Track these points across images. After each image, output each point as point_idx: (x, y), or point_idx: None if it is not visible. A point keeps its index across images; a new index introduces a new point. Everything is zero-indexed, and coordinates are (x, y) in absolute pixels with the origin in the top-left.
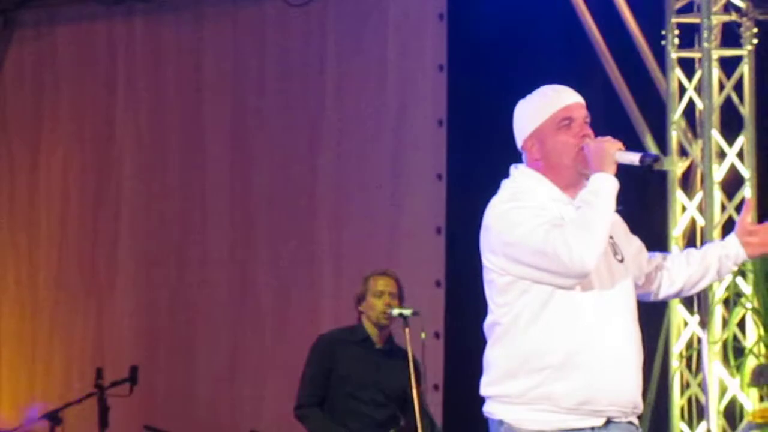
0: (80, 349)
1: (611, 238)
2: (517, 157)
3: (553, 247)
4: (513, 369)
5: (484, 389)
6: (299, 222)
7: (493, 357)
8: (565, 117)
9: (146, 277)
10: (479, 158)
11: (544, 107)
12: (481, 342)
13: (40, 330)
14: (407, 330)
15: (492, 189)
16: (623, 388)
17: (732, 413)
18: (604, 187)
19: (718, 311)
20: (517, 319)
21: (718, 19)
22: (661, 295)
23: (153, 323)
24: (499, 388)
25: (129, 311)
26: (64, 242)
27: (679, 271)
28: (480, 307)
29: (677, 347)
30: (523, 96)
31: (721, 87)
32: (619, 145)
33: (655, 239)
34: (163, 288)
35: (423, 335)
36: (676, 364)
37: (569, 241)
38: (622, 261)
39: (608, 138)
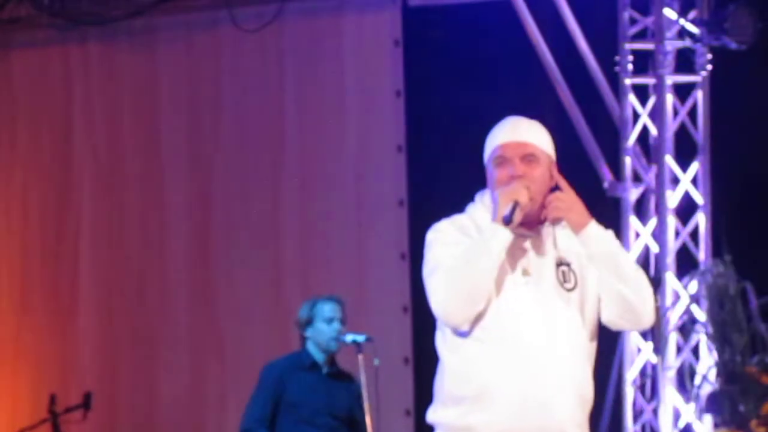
0: (46, 374)
1: (567, 265)
2: (476, 181)
3: (430, 293)
4: (442, 397)
5: (427, 416)
6: (262, 248)
7: (435, 383)
8: (498, 155)
9: (107, 303)
10: (439, 183)
11: (489, 143)
12: None
13: (3, 355)
14: (360, 356)
15: (453, 212)
16: (548, 422)
17: None
18: (491, 237)
19: (673, 337)
20: (443, 346)
21: (672, 45)
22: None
23: (115, 349)
24: (434, 415)
25: (91, 337)
26: (27, 268)
27: None
28: None
29: (631, 374)
30: (478, 121)
31: (675, 113)
32: (514, 196)
33: None
34: (124, 313)
35: (376, 361)
36: (630, 390)
37: (437, 288)
38: (572, 289)
39: (511, 187)
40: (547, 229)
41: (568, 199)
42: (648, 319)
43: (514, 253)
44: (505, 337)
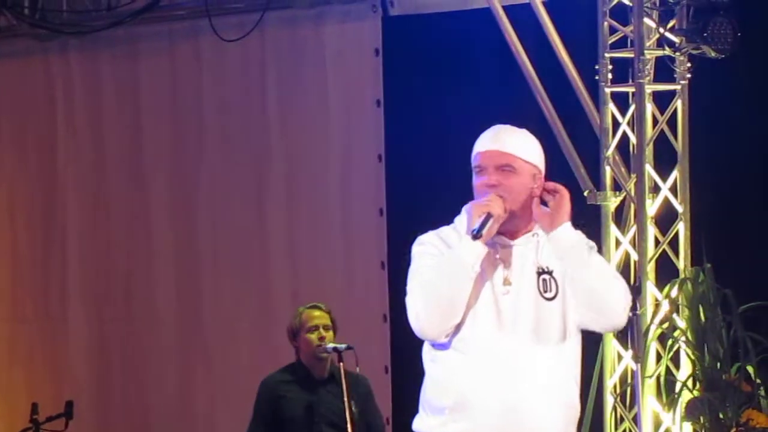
0: (40, 382)
1: (549, 273)
2: (456, 191)
3: (407, 307)
4: (425, 406)
5: (413, 424)
6: (248, 257)
7: (421, 392)
8: (476, 164)
9: (96, 311)
10: (419, 192)
11: (473, 152)
12: None
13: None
14: (342, 364)
15: (431, 222)
16: (527, 430)
17: None
18: (462, 251)
19: (653, 345)
20: (425, 356)
21: (651, 54)
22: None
23: (104, 357)
24: (417, 423)
25: (81, 345)
26: (18, 277)
27: None
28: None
29: (611, 381)
30: (457, 131)
31: (655, 122)
32: (486, 209)
33: None
34: (112, 322)
35: (357, 369)
36: (610, 398)
37: (413, 303)
38: (553, 298)
39: (484, 200)
40: (530, 238)
41: (565, 197)
42: (619, 318)
43: (496, 263)
44: (483, 347)
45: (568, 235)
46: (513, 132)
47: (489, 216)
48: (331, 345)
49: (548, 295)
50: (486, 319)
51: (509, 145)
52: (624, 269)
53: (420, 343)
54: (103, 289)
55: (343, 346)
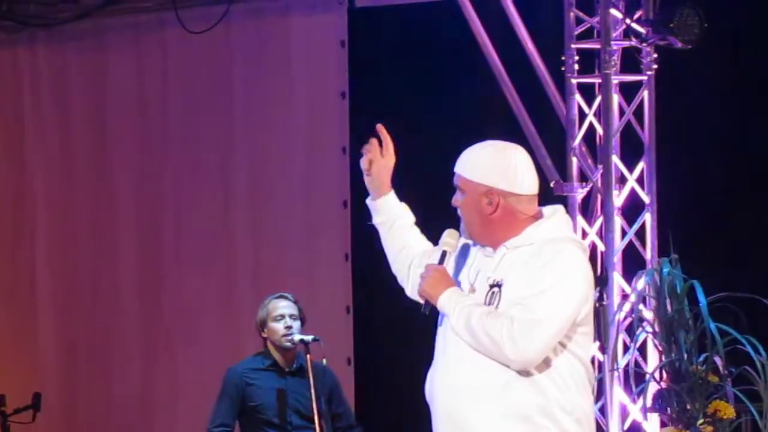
0: (7, 373)
1: (498, 287)
2: (420, 183)
3: None
4: None
5: None
6: (212, 249)
7: None
8: None
9: (63, 304)
10: None
11: None
12: (390, 368)
13: None
14: (309, 356)
15: None
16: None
17: None
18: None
19: (620, 336)
20: None
21: (618, 45)
22: None
23: (71, 349)
24: None
25: (50, 337)
26: None
27: None
28: (389, 333)
29: None
30: (423, 124)
31: (621, 112)
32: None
33: None
34: (79, 315)
35: (324, 361)
36: None
37: None
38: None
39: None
40: (501, 250)
41: (427, 274)
42: (511, 360)
43: (470, 272)
44: (436, 353)
45: (443, 307)
46: (471, 150)
47: (444, 252)
48: (298, 336)
49: (490, 307)
50: (442, 328)
51: (459, 164)
52: (591, 260)
53: (382, 335)
54: (70, 281)
55: (310, 337)
